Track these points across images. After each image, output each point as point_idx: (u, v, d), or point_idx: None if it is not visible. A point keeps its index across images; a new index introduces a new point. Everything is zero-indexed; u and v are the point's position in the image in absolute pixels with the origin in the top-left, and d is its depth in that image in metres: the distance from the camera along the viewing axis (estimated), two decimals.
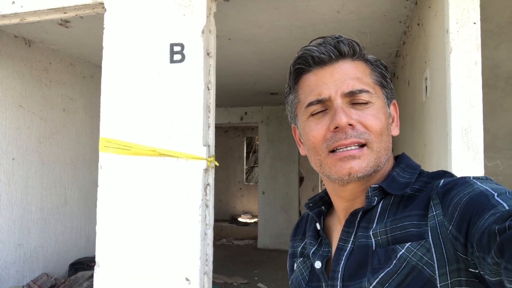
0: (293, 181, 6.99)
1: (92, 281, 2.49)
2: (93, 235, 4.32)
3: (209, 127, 2.01)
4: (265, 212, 7.09)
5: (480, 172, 1.55)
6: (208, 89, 2.00)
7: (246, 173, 11.43)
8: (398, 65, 3.83)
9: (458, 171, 1.56)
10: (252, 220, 10.04)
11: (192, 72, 1.94)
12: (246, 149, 11.36)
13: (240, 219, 10.21)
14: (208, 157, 1.95)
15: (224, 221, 10.06)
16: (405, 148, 3.19)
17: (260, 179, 7.25)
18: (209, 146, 1.98)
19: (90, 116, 4.31)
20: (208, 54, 2.00)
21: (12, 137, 3.46)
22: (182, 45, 1.95)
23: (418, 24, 2.48)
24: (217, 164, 2.00)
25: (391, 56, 3.86)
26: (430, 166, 2.06)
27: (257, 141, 10.17)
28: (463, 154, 1.58)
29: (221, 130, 10.68)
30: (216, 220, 2.00)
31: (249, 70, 4.52)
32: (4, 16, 2.30)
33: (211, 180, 1.99)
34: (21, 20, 2.33)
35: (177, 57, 1.96)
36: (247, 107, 7.32)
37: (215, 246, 2.01)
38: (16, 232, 3.49)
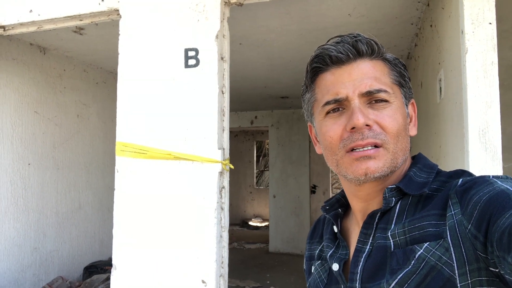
0: (304, 184, 6.97)
1: (107, 284, 2.51)
2: (106, 239, 4.37)
3: (223, 130, 2.02)
4: (276, 215, 7.08)
5: (499, 173, 1.54)
6: (223, 93, 2.02)
7: (256, 177, 11.43)
8: (410, 67, 3.82)
9: (476, 173, 1.55)
10: (263, 224, 10.03)
11: (207, 76, 1.96)
12: (256, 153, 11.37)
13: (251, 223, 10.20)
14: (223, 160, 1.97)
15: (235, 225, 10.06)
16: (419, 150, 3.17)
17: (271, 183, 7.25)
18: (224, 149, 2.00)
19: (103, 121, 4.36)
20: (222, 58, 2.02)
21: (28, 142, 3.52)
22: (196, 50, 1.98)
23: (431, 26, 2.48)
24: (232, 167, 2.02)
25: (402, 58, 3.85)
26: (446, 167, 2.05)
27: (267, 145, 10.18)
28: (481, 155, 1.57)
29: (231, 134, 10.71)
30: None
31: (259, 74, 4.54)
32: (22, 24, 2.35)
33: (226, 183, 2.00)
34: (38, 28, 2.38)
35: (191, 62, 1.99)
36: (257, 111, 7.34)
37: None
38: (32, 236, 3.55)
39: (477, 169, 1.58)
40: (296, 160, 7.04)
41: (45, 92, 3.71)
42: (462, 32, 1.65)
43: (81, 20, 2.29)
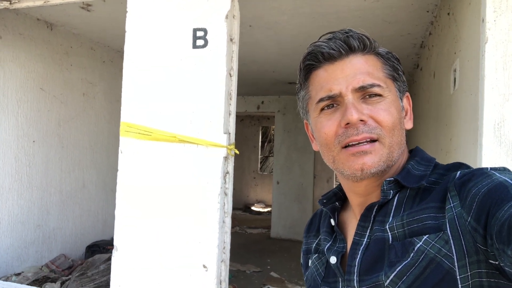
0: (308, 172, 6.95)
1: (109, 264, 2.52)
2: (109, 218, 4.39)
3: (230, 114, 1.98)
4: (279, 202, 7.08)
5: None
6: (230, 76, 1.97)
7: (261, 163, 11.42)
8: (423, 56, 3.73)
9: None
10: (266, 209, 10.06)
11: (215, 58, 1.91)
12: (262, 138, 11.34)
13: (253, 208, 10.24)
14: (229, 145, 1.93)
15: (238, 210, 10.09)
16: (429, 142, 3.11)
17: (275, 169, 7.23)
18: (229, 134, 1.96)
19: (109, 101, 4.33)
20: (231, 40, 1.96)
21: (33, 119, 3.50)
22: (205, 30, 1.92)
23: (448, 14, 2.39)
24: (237, 152, 1.98)
25: (415, 46, 3.76)
26: (457, 160, 2.00)
27: (273, 130, 10.12)
28: (495, 149, 1.51)
29: (237, 119, 10.58)
30: None
31: (268, 58, 4.46)
32: None
33: (230, 168, 1.97)
34: (45, 2, 2.33)
35: (199, 42, 1.93)
36: (264, 96, 7.27)
37: None
38: (36, 213, 3.56)
39: (490, 163, 1.53)
40: (302, 147, 6.99)
41: (51, 69, 3.67)
42: (482, 20, 1.57)
43: None
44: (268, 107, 7.31)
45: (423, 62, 3.65)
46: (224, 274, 1.96)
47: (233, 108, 1.99)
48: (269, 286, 4.60)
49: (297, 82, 0.79)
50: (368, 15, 3.01)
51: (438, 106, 2.66)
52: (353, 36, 0.70)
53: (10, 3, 2.35)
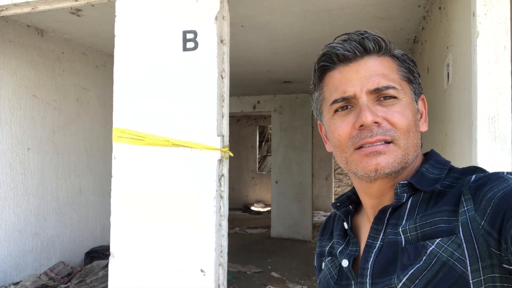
0: (306, 170, 6.94)
1: (107, 270, 2.50)
2: (108, 224, 4.35)
3: (223, 116, 1.96)
4: (278, 201, 7.07)
5: (508, 163, 1.48)
6: (222, 78, 1.95)
7: (259, 162, 11.41)
8: (416, 51, 3.72)
9: (484, 162, 1.50)
10: (265, 209, 10.05)
11: (205, 60, 1.89)
12: (259, 138, 11.33)
13: (253, 208, 10.22)
14: (222, 148, 1.92)
15: (237, 210, 10.08)
16: (424, 138, 3.10)
17: (273, 168, 7.22)
18: (223, 136, 1.94)
19: (103, 105, 4.31)
20: (221, 41, 1.94)
21: (27, 127, 3.48)
22: (195, 32, 1.90)
23: (440, 8, 2.38)
24: (231, 154, 1.96)
25: (408, 42, 3.75)
26: (452, 156, 1.99)
27: (270, 130, 10.11)
28: (489, 144, 1.50)
29: (233, 119, 10.65)
30: (229, 209, 1.98)
31: (262, 58, 4.45)
32: (16, 5, 2.28)
33: (225, 171, 1.95)
34: (32, 9, 2.30)
35: (190, 44, 1.92)
36: (260, 95, 7.26)
37: (228, 234, 1.99)
38: (33, 221, 3.54)
39: (485, 158, 1.52)
40: (299, 145, 6.99)
41: (44, 76, 3.64)
42: (473, 14, 1.56)
43: (76, 1, 2.21)
44: (264, 106, 7.29)
45: (417, 57, 3.64)
46: (222, 278, 1.95)
47: (226, 110, 1.97)
48: (270, 286, 4.59)
49: (311, 83, 0.79)
50: (360, 12, 2.99)
51: (432, 101, 2.65)
52: (368, 38, 0.70)
53: None
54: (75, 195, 3.99)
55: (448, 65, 2.11)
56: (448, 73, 2.12)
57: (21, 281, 3.33)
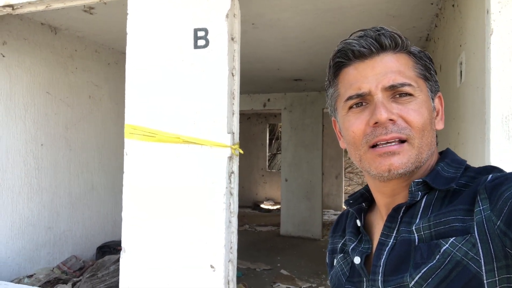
0: (316, 168, 6.92)
1: (118, 264, 2.54)
2: (119, 219, 4.40)
3: (233, 114, 1.97)
4: (288, 199, 7.07)
5: None
6: (233, 75, 1.96)
7: (269, 160, 11.41)
8: (429, 49, 3.68)
9: (497, 161, 1.48)
10: (275, 207, 10.05)
11: (216, 57, 1.90)
12: (269, 136, 11.32)
13: (262, 206, 10.24)
14: (233, 145, 1.93)
15: (247, 208, 10.10)
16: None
17: (283, 166, 7.21)
18: (233, 133, 1.95)
19: (115, 102, 4.35)
20: (232, 39, 1.95)
21: (40, 123, 3.53)
22: (206, 30, 1.91)
23: (453, 5, 2.35)
24: (241, 152, 1.97)
25: (421, 40, 3.71)
26: (465, 155, 1.97)
27: (280, 128, 10.10)
28: (503, 143, 1.48)
29: (243, 117, 10.66)
30: (238, 207, 1.99)
31: (272, 56, 4.44)
32: (30, 3, 2.31)
33: (235, 168, 1.96)
34: (46, 6, 2.34)
35: (201, 42, 1.93)
36: (270, 93, 7.25)
37: (238, 232, 2.01)
38: (46, 216, 3.60)
39: (497, 158, 1.50)
40: (309, 143, 6.96)
41: (57, 73, 3.69)
42: (487, 11, 1.54)
43: None
44: (274, 104, 7.28)
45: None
46: (232, 274, 1.96)
47: (236, 108, 1.98)
48: (279, 284, 4.59)
49: (326, 79, 0.79)
50: (371, 10, 2.97)
51: (445, 100, 2.61)
52: (384, 34, 0.70)
53: (13, 9, 2.37)
54: (87, 191, 4.04)
55: (461, 63, 2.09)
56: (461, 71, 2.10)
57: (34, 274, 3.39)
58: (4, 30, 3.22)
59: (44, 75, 3.56)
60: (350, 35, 0.73)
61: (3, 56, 3.22)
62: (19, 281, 3.25)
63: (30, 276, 3.34)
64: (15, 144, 3.32)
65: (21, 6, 2.35)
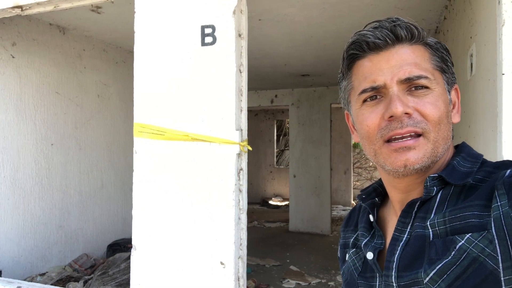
0: (324, 164, 6.90)
1: (129, 262, 2.56)
2: (129, 217, 4.45)
3: (241, 111, 1.97)
4: (296, 195, 7.06)
5: None
6: (240, 72, 1.95)
7: (277, 156, 11.40)
8: None
9: (509, 155, 1.46)
10: (283, 203, 10.05)
11: (224, 54, 1.90)
12: (277, 132, 11.31)
13: (271, 202, 10.24)
14: (241, 142, 1.92)
15: (255, 204, 10.12)
16: None
17: (291, 163, 7.20)
18: (241, 130, 1.95)
19: (124, 101, 4.37)
20: (239, 35, 1.94)
21: (50, 123, 3.57)
22: (213, 27, 1.91)
23: None
24: (250, 148, 1.97)
25: (430, 32, 3.66)
26: (476, 148, 1.94)
27: (288, 124, 10.08)
28: None
29: (251, 113, 10.66)
30: (247, 203, 1.99)
31: (279, 51, 4.43)
32: (39, 3, 2.33)
33: (244, 164, 1.96)
34: (54, 7, 2.35)
35: (208, 39, 1.92)
36: (278, 89, 7.23)
37: (247, 228, 2.01)
38: (57, 215, 3.64)
39: (510, 151, 1.48)
40: (317, 139, 6.94)
41: (66, 72, 3.72)
42: (499, 2, 1.52)
43: None
44: (282, 100, 7.27)
45: None
46: (242, 271, 1.96)
47: (244, 104, 1.98)
48: (289, 279, 4.60)
49: (339, 71, 0.77)
50: (379, 3, 2.94)
51: None
52: (400, 25, 0.68)
53: (22, 10, 2.38)
54: (97, 189, 4.08)
55: (471, 55, 2.06)
56: (471, 64, 2.07)
57: (47, 272, 3.43)
58: (13, 31, 3.25)
59: (53, 75, 3.59)
60: (365, 26, 0.71)
61: (13, 57, 3.25)
62: (32, 279, 3.29)
63: (42, 274, 3.39)
64: (26, 144, 3.36)
65: (29, 7, 2.37)
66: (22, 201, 3.33)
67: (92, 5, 2.58)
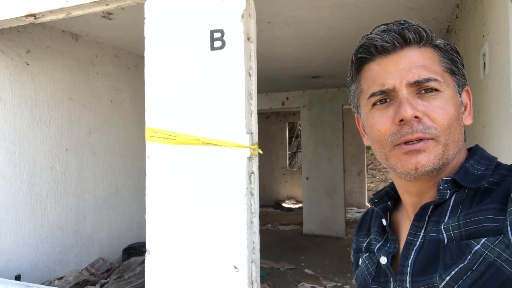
0: (337, 166, 6.85)
1: (144, 266, 2.59)
2: (143, 221, 4.48)
3: (251, 114, 1.97)
4: (309, 197, 7.03)
5: None
6: (250, 75, 1.96)
7: (289, 159, 11.37)
8: (450, 41, 3.58)
9: None
10: (296, 206, 10.02)
11: (233, 58, 1.91)
12: (289, 134, 11.28)
13: (284, 205, 10.22)
14: (252, 145, 1.93)
15: (269, 207, 10.11)
16: None
17: (304, 165, 7.18)
18: (252, 133, 1.95)
19: (136, 106, 4.42)
20: (248, 39, 1.95)
21: (64, 129, 3.63)
22: (222, 31, 1.92)
23: None
24: (260, 152, 1.97)
25: (441, 32, 3.62)
26: (490, 150, 1.91)
27: (299, 126, 10.05)
28: None
29: (262, 116, 10.66)
30: (260, 206, 1.99)
31: (289, 53, 4.42)
32: (51, 11, 2.37)
33: (255, 168, 1.96)
34: (67, 14, 2.40)
35: (217, 43, 1.93)
36: (288, 91, 7.22)
37: (261, 231, 2.01)
38: (73, 219, 3.69)
39: None
40: (329, 141, 6.91)
41: (79, 79, 3.79)
42: (510, 0, 1.49)
43: (107, 5, 2.28)
44: (293, 102, 7.25)
45: None
46: (255, 274, 1.96)
47: (254, 108, 1.98)
48: (303, 283, 4.58)
49: (348, 75, 0.77)
50: (388, 3, 2.92)
51: None
52: (408, 28, 0.68)
53: (35, 18, 2.43)
54: (111, 194, 4.13)
55: (484, 55, 2.03)
56: (484, 63, 2.04)
57: (64, 276, 3.48)
58: (27, 39, 3.32)
59: (66, 81, 3.66)
60: (373, 30, 0.71)
61: (28, 64, 3.32)
62: (49, 283, 3.35)
63: (60, 278, 3.44)
64: (41, 149, 3.42)
65: (42, 15, 2.42)
66: (39, 206, 3.39)
67: (103, 11, 2.62)
